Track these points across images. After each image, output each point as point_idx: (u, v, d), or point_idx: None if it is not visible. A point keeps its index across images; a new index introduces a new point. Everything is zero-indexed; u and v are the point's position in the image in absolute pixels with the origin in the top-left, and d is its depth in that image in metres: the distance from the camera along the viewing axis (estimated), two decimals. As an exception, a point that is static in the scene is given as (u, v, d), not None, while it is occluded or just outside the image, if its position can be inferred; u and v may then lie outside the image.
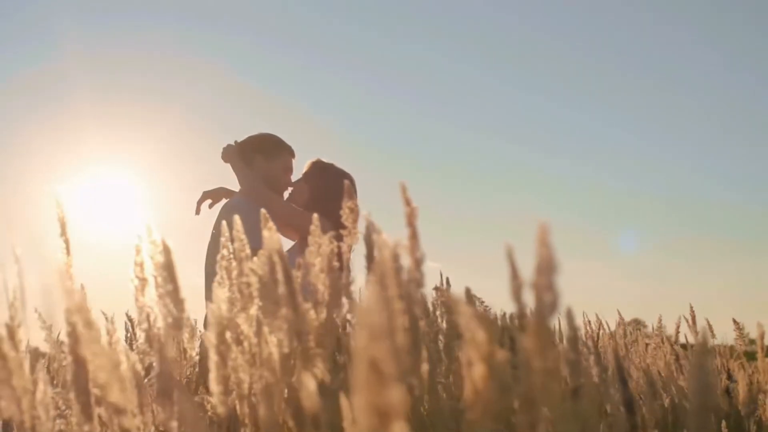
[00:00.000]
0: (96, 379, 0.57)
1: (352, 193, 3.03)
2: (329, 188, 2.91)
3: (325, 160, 3.06)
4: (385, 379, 0.40)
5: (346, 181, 2.96)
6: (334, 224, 2.74)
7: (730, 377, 2.12)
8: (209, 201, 2.88)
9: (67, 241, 1.02)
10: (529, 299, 0.57)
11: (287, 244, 2.99)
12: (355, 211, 1.33)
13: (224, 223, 1.41)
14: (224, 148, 2.92)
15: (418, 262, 0.87)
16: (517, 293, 0.64)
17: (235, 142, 2.95)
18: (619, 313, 2.54)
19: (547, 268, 0.53)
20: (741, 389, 1.92)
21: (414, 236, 0.87)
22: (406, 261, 0.89)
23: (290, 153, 3.00)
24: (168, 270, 0.90)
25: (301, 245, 2.83)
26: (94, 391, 0.62)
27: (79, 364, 0.69)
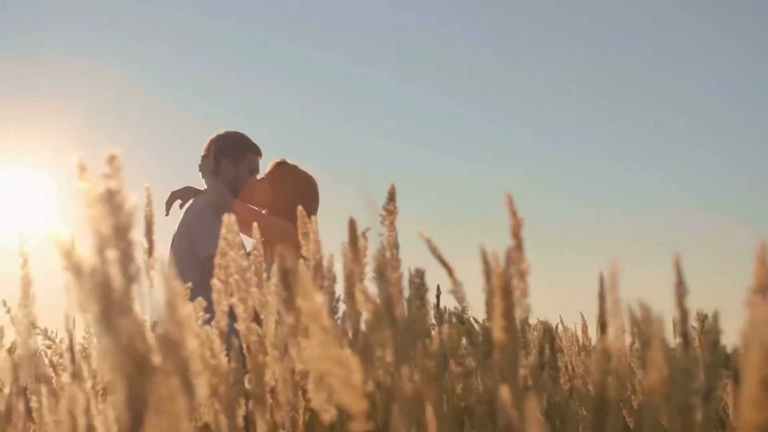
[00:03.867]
0: (329, 384, 0.59)
1: (316, 197, 3.06)
2: (292, 190, 2.93)
3: (289, 160, 3.07)
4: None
5: (309, 184, 3.01)
6: (297, 226, 2.76)
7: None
8: (179, 201, 2.86)
9: (151, 242, 1.01)
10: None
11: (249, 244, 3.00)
12: (393, 213, 1.36)
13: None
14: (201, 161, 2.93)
15: (522, 273, 0.92)
16: (680, 299, 0.69)
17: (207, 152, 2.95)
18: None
19: (764, 286, 0.59)
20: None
21: (519, 247, 0.92)
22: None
23: (256, 153, 2.99)
24: (282, 276, 0.92)
25: (263, 248, 2.83)
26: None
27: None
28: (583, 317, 2.55)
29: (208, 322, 1.12)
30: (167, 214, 2.84)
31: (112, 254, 0.60)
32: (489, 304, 0.98)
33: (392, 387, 1.03)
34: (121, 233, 0.66)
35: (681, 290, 0.70)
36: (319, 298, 0.57)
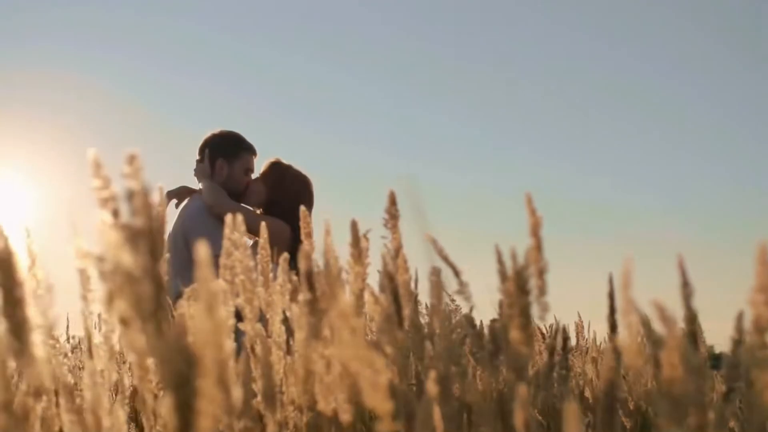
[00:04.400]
0: (358, 383, 0.59)
1: (310, 197, 3.06)
2: (287, 190, 2.92)
3: (284, 161, 3.06)
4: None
5: (304, 185, 3.01)
6: (292, 227, 2.77)
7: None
8: (174, 201, 2.86)
9: (163, 241, 1.01)
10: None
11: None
12: (396, 217, 1.36)
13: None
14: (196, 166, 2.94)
15: (541, 272, 0.92)
16: (687, 299, 0.70)
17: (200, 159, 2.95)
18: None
19: (766, 286, 0.60)
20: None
21: (538, 247, 0.93)
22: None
23: (251, 152, 2.98)
24: (308, 281, 0.92)
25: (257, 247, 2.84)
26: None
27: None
28: (579, 317, 2.57)
29: None
30: None
31: (137, 254, 0.59)
32: (502, 304, 0.99)
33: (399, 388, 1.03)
34: (143, 234, 0.66)
35: (687, 291, 0.71)
36: (347, 299, 0.57)
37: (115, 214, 0.73)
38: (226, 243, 1.12)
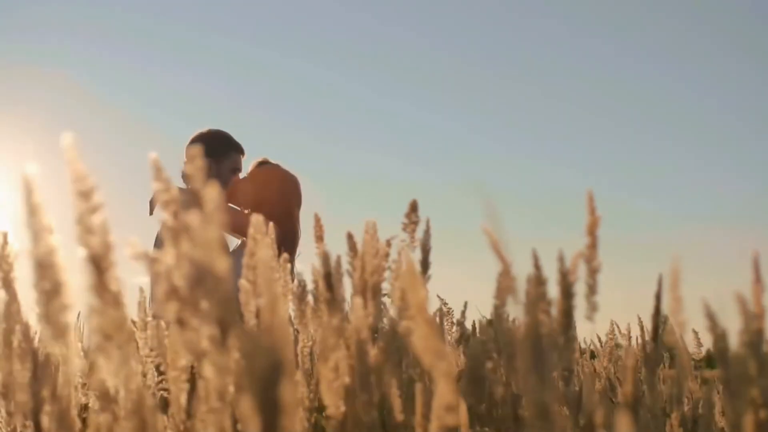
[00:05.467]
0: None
1: (298, 196, 3.02)
2: (275, 189, 2.89)
3: (271, 160, 3.02)
4: None
5: (291, 184, 2.98)
6: (279, 226, 2.74)
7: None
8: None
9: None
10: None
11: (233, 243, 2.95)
12: (415, 223, 1.35)
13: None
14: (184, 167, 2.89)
15: (593, 271, 0.93)
16: (757, 297, 0.70)
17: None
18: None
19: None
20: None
21: (593, 245, 0.93)
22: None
23: (239, 151, 2.94)
24: (327, 281, 0.90)
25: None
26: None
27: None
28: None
29: None
30: (151, 214, 2.77)
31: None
32: (533, 306, 0.98)
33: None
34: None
35: (759, 288, 0.71)
36: (424, 292, 0.57)
37: (175, 216, 0.70)
38: (249, 242, 1.10)
